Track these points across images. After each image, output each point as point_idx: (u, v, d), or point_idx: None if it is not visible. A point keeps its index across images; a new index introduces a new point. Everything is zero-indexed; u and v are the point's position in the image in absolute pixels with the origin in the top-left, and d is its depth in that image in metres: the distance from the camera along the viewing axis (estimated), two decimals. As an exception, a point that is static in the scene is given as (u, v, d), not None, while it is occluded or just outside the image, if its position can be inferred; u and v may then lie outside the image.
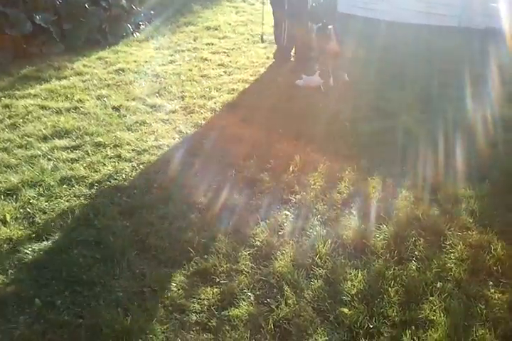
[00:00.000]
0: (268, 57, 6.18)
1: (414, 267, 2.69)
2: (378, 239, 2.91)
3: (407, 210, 3.15)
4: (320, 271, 2.66)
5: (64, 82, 5.28)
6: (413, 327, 2.32)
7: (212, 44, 6.80)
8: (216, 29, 7.55)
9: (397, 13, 7.68)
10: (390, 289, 2.52)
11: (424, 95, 4.95)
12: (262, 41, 6.29)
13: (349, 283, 2.58)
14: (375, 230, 2.98)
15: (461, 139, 4.04)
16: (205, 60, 6.15)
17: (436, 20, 7.46)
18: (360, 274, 2.62)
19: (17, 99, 4.81)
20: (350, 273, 2.64)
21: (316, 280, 2.61)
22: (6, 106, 4.65)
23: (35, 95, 4.93)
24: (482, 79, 5.27)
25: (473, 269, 2.67)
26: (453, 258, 2.76)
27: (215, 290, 2.56)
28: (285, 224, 3.07)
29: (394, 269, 2.66)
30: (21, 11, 5.92)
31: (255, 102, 4.87)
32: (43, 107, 4.65)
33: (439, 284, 2.57)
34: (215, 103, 4.84)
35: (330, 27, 5.08)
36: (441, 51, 6.34)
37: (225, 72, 5.76)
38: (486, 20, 7.07)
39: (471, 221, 3.06)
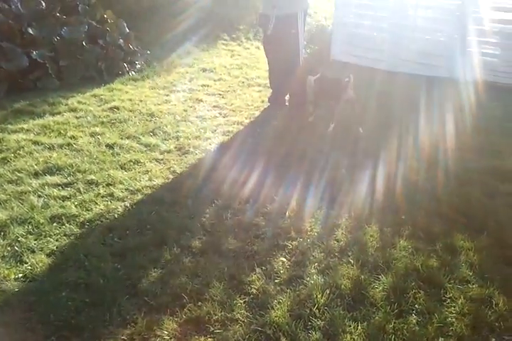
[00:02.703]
0: (263, 101, 6.21)
1: (414, 321, 2.61)
2: (377, 290, 2.83)
3: (406, 261, 3.09)
4: (318, 323, 2.57)
5: (57, 118, 5.24)
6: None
7: (208, 86, 6.83)
8: (212, 71, 7.62)
9: (392, 62, 7.82)
10: (391, 344, 2.44)
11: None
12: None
13: (348, 336, 2.48)
14: (374, 280, 2.91)
15: (458, 189, 4.02)
16: (200, 101, 6.16)
17: (429, 70, 7.60)
18: (359, 327, 2.53)
19: (9, 134, 4.75)
20: (350, 326, 2.54)
21: (314, 332, 2.51)
22: (-2, 140, 4.59)
23: (27, 130, 4.88)
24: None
25: (475, 324, 2.60)
26: (454, 312, 2.68)
27: (209, 340, 2.45)
28: (281, 272, 2.98)
29: (394, 323, 2.57)
30: (18, 46, 5.95)
31: (250, 145, 4.84)
32: (35, 142, 4.59)
33: (440, 340, 2.49)
34: (210, 144, 4.82)
35: (350, 76, 5.09)
36: (435, 101, 6.40)
37: (220, 113, 5.77)
38: (477, 73, 7.20)
39: (471, 274, 2.99)
